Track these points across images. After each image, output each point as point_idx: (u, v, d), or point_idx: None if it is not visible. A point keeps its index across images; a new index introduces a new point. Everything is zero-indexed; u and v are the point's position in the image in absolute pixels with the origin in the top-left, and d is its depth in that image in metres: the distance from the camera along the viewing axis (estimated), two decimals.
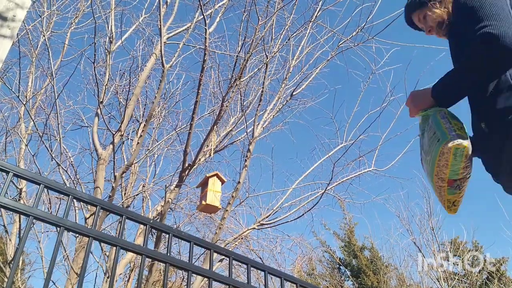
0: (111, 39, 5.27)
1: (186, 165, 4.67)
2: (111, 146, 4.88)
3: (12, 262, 5.56)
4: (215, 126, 4.77)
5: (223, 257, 2.72)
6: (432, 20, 1.34)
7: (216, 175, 3.49)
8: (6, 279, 5.64)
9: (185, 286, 2.06)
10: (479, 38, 1.11)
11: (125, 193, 6.12)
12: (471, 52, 1.13)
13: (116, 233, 5.49)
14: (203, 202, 3.38)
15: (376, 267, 12.54)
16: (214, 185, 3.42)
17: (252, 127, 4.95)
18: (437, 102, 1.18)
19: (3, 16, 1.78)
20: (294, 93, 5.49)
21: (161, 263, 2.08)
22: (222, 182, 3.47)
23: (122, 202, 5.73)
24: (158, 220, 4.86)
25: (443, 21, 1.33)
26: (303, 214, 5.30)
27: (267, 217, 5.30)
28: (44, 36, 5.62)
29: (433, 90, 1.18)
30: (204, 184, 3.51)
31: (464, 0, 1.22)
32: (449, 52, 1.27)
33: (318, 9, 5.12)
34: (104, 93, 5.22)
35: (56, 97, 5.17)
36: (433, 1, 1.32)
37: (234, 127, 6.03)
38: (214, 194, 3.39)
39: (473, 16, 1.16)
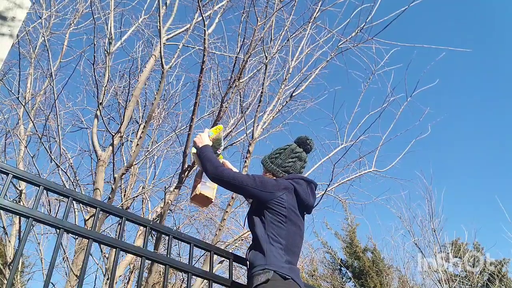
0: (111, 40, 5.27)
1: (186, 166, 4.66)
2: (110, 147, 4.87)
3: (12, 264, 5.55)
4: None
5: (224, 258, 2.71)
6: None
7: None
8: (5, 281, 5.62)
9: None
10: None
11: (124, 195, 6.12)
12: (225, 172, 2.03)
13: (115, 234, 5.49)
14: (197, 192, 2.69)
15: (379, 268, 12.50)
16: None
17: (252, 128, 4.94)
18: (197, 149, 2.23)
19: (3, 16, 1.78)
20: (293, 94, 5.48)
21: (161, 265, 2.07)
22: None
23: (122, 204, 5.73)
24: (158, 221, 4.85)
25: None
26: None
27: None
28: (43, 37, 5.62)
29: (200, 149, 2.21)
30: (199, 175, 3.03)
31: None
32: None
33: (317, 9, 5.12)
34: (104, 94, 5.22)
35: (56, 99, 5.17)
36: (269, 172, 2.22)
37: (233, 128, 6.02)
38: (211, 185, 3.01)
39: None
